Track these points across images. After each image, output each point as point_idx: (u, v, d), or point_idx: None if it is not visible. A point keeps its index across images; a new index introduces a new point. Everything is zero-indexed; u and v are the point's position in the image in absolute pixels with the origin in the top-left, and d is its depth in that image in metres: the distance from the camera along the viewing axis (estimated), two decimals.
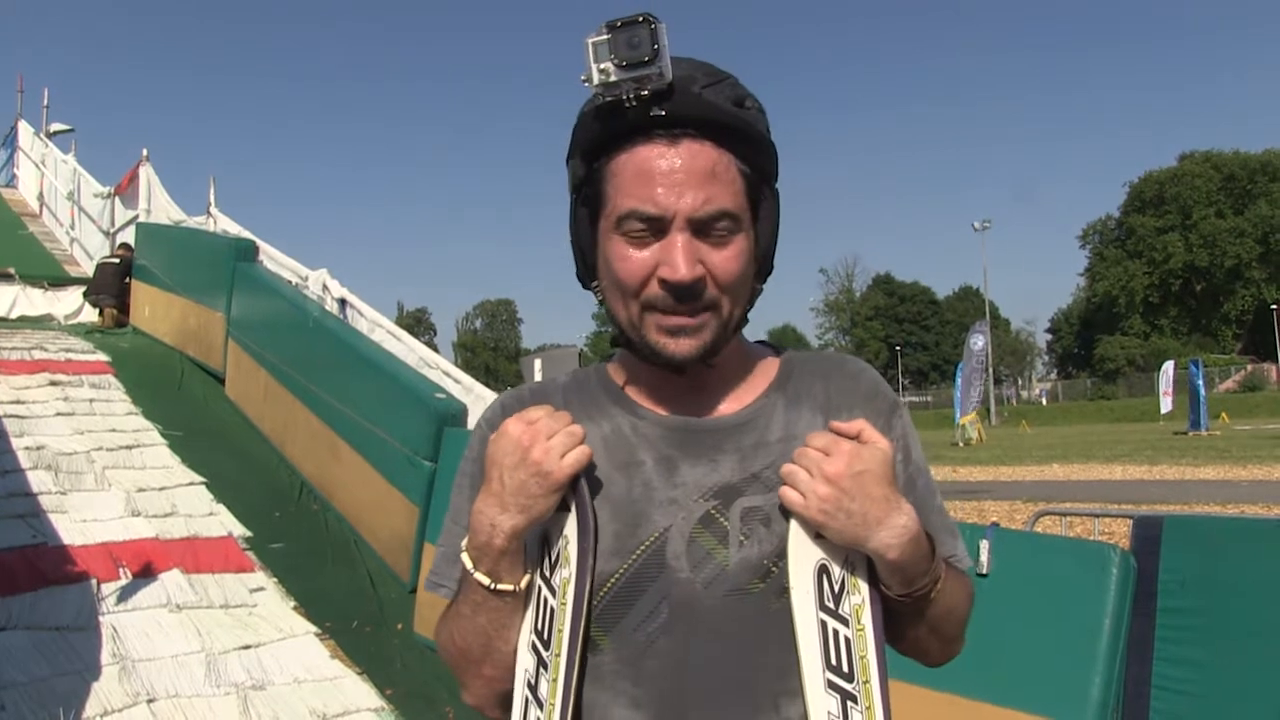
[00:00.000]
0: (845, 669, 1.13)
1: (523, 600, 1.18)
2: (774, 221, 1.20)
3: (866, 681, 1.13)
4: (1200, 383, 32.55)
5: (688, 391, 1.22)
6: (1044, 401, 72.91)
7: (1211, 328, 72.44)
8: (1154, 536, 3.32)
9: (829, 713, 1.12)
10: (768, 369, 1.28)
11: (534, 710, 1.16)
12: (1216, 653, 3.12)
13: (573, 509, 1.15)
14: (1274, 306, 66.10)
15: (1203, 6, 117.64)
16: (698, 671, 1.14)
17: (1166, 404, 40.41)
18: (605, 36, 1.07)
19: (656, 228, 1.11)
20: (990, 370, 47.40)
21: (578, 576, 1.14)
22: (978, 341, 33.07)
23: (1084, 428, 45.50)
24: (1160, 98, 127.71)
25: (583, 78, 1.08)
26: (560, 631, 1.14)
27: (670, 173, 1.09)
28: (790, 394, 1.25)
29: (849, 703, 1.12)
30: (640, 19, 1.06)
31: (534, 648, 1.18)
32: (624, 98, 1.07)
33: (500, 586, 1.15)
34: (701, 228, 1.11)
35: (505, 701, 1.22)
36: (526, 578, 1.17)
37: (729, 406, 1.23)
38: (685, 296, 1.11)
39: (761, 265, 1.20)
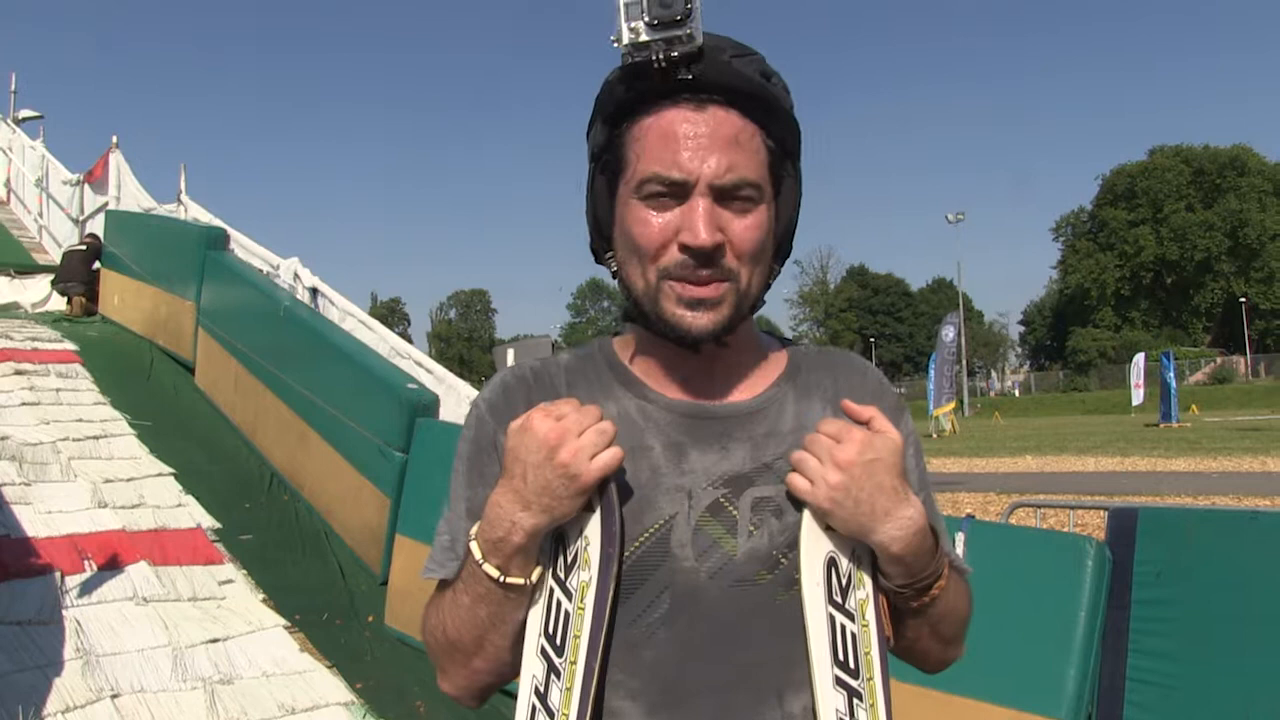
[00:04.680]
0: (851, 665, 1.11)
1: (528, 596, 1.13)
2: (795, 201, 1.18)
3: (870, 679, 1.11)
4: (1171, 375, 32.86)
5: (698, 374, 1.19)
6: (1017, 393, 73.52)
7: (1182, 320, 73.28)
8: (1129, 528, 3.32)
9: (837, 710, 1.09)
10: (778, 359, 1.25)
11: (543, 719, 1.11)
12: (1190, 644, 3.12)
13: (598, 511, 1.10)
14: (1243, 300, 66.95)
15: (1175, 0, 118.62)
16: (698, 663, 1.11)
17: (1138, 396, 40.74)
18: None
19: (678, 192, 1.09)
20: (964, 362, 47.65)
21: (599, 582, 1.09)
22: (949, 333, 33.19)
23: (1056, 419, 45.91)
24: (1131, 91, 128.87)
25: (612, 38, 1.07)
26: (577, 638, 1.09)
27: (695, 137, 1.08)
28: (801, 385, 1.22)
29: (855, 700, 1.10)
30: None
31: (544, 653, 1.12)
32: (653, 59, 1.05)
33: (510, 580, 1.11)
34: (723, 195, 1.09)
35: (484, 694, 1.20)
36: (538, 571, 1.12)
37: (740, 394, 1.20)
38: (705, 262, 1.09)
39: (780, 245, 1.18)
